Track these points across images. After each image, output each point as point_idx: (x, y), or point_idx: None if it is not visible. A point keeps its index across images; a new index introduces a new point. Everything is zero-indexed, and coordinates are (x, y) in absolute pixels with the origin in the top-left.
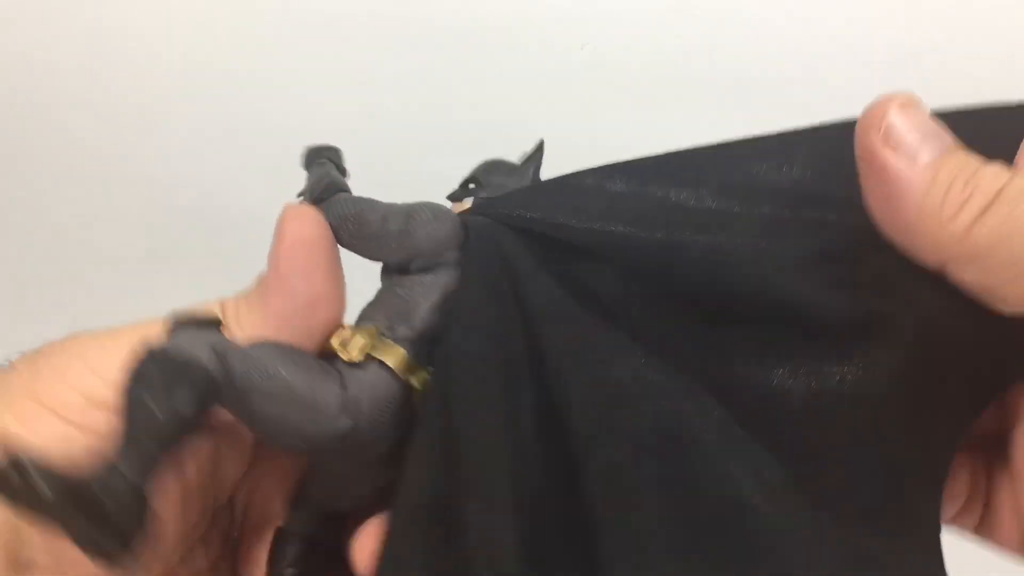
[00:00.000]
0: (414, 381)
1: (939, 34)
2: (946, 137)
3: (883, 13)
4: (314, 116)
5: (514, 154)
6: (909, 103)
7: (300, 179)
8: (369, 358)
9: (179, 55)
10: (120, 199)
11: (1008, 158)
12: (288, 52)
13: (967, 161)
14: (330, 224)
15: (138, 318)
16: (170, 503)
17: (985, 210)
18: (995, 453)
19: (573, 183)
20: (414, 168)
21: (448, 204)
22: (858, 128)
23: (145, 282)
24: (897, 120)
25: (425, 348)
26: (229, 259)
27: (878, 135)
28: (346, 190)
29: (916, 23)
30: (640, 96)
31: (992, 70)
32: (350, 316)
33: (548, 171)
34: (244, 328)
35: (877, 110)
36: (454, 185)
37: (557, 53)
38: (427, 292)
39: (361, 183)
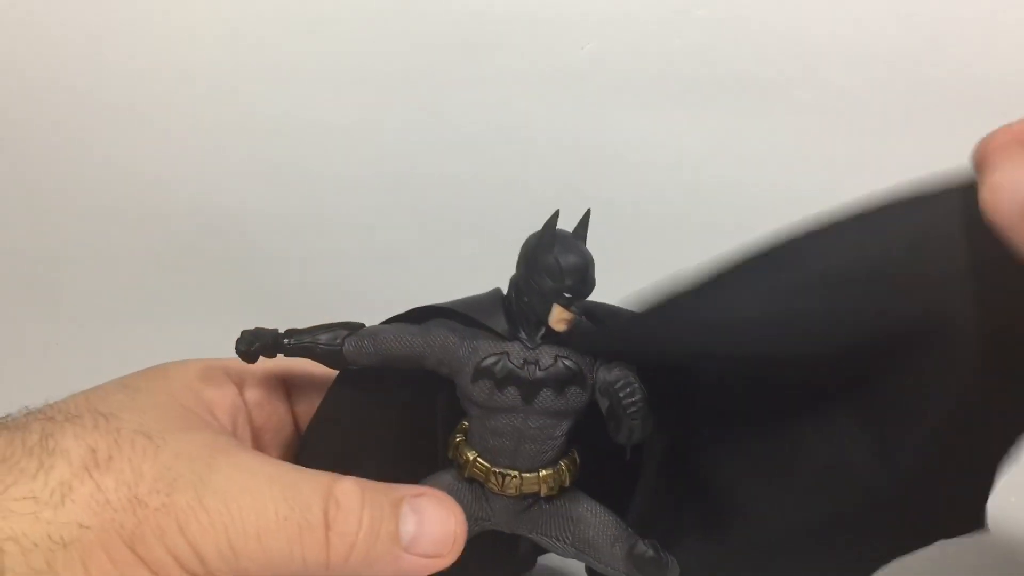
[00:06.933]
0: None
1: (939, 34)
2: None
3: (883, 13)
4: (314, 116)
5: (514, 153)
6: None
7: (299, 182)
8: None
9: (179, 55)
10: (120, 200)
11: None
12: (288, 52)
13: None
14: None
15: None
16: None
17: None
18: None
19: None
20: (414, 168)
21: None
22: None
23: (146, 282)
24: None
25: None
26: (229, 259)
27: (1002, 206)
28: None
29: (916, 23)
30: (640, 96)
31: (992, 70)
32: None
33: (549, 171)
34: None
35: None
36: (453, 185)
37: (557, 53)
38: None
39: (362, 183)
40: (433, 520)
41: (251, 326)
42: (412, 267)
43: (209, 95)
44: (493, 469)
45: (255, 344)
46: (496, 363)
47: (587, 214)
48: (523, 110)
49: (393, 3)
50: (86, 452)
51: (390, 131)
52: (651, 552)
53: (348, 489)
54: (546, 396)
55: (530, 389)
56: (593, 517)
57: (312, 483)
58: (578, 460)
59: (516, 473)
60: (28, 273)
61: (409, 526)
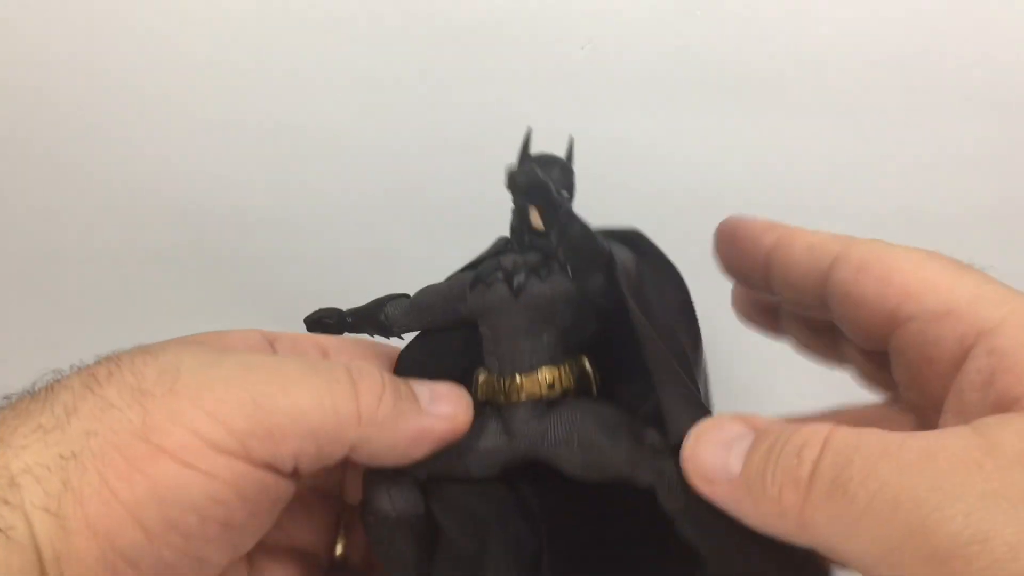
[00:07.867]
0: None
1: (939, 34)
2: (746, 438)
3: (883, 13)
4: (314, 116)
5: (514, 153)
6: (694, 445)
7: (299, 181)
8: None
9: (179, 55)
10: (120, 199)
11: None
12: (288, 52)
13: (766, 459)
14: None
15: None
16: None
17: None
18: None
19: None
20: (413, 168)
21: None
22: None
23: (147, 281)
24: (693, 465)
25: None
26: (230, 258)
27: (698, 481)
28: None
29: (916, 23)
30: (640, 96)
31: (992, 70)
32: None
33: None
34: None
35: (684, 465)
36: (453, 185)
37: (557, 53)
38: None
39: (362, 183)
40: (441, 386)
41: (251, 326)
42: (412, 267)
43: (209, 94)
44: (498, 378)
45: (322, 316)
46: (487, 265)
47: (571, 141)
48: (523, 110)
49: (393, 3)
50: (87, 378)
51: (389, 131)
52: (660, 440)
53: (362, 362)
54: (533, 285)
55: (516, 281)
56: (595, 408)
57: (330, 362)
58: (591, 371)
59: (518, 376)
60: (29, 273)
61: (424, 392)
